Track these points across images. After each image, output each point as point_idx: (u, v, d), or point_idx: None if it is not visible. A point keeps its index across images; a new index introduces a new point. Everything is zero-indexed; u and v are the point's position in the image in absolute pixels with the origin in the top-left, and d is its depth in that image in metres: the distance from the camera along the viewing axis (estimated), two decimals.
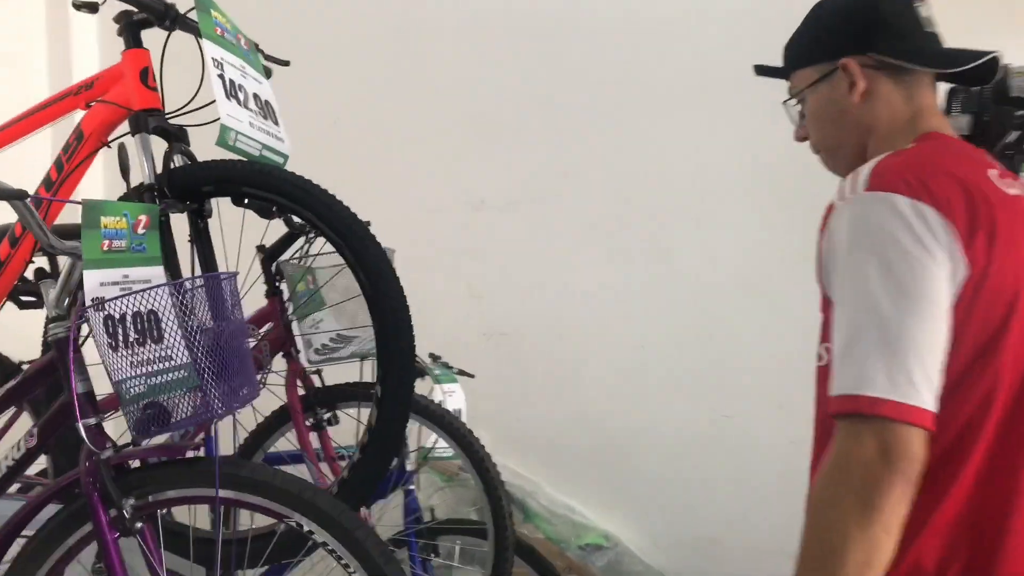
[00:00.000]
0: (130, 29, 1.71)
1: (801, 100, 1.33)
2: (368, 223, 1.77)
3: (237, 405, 1.53)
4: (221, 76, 1.62)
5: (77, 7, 1.61)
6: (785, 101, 1.36)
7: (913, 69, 1.24)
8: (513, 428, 2.87)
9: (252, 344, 2.01)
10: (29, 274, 1.81)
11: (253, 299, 1.98)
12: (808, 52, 1.31)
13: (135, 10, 1.69)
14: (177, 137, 1.72)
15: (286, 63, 1.99)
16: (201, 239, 1.74)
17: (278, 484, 1.38)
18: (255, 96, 1.73)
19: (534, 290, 2.95)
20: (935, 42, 1.27)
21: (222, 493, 1.36)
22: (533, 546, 2.50)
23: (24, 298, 2.02)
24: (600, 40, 2.87)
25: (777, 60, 1.39)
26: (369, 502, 2.42)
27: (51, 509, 1.48)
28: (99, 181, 2.05)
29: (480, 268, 2.97)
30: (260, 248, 2.03)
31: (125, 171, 1.57)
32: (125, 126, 1.72)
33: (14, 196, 1.26)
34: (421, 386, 2.47)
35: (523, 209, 2.95)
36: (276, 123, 1.78)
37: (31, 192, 1.39)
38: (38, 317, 2.14)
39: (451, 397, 2.40)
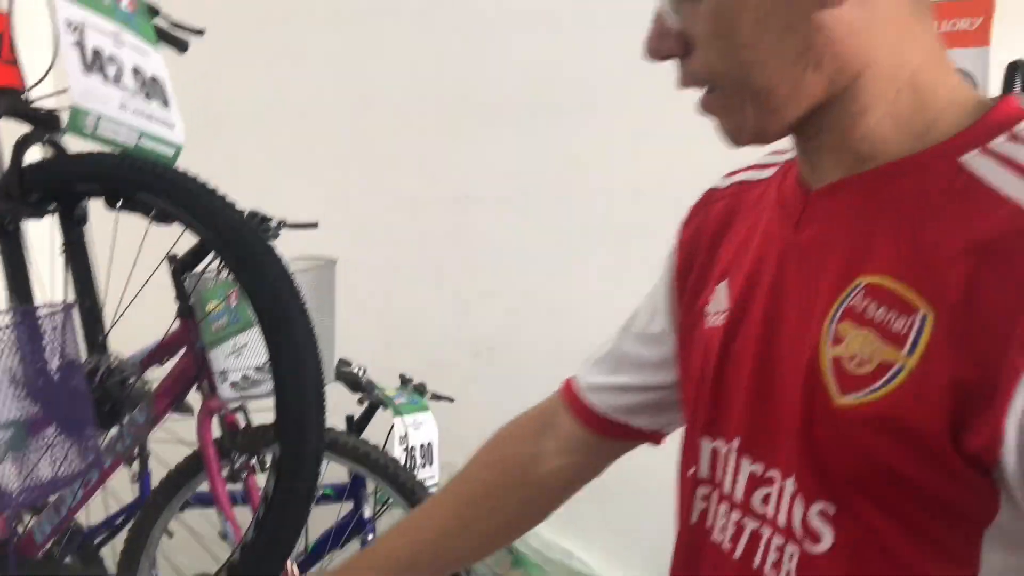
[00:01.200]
0: None
1: None
2: (270, 227, 1.41)
3: (85, 473, 1.20)
4: (79, 44, 1.26)
5: None
6: None
7: None
8: None
9: (157, 376, 1.67)
10: None
11: (160, 320, 1.64)
12: None
13: None
14: (44, 123, 1.37)
15: (199, 32, 1.63)
16: (75, 250, 1.40)
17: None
18: (135, 71, 1.37)
19: (525, 300, 2.55)
20: None
21: None
22: None
23: None
24: (598, 31, 2.46)
25: None
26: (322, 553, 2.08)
27: None
28: None
29: (468, 275, 2.59)
30: (171, 259, 1.68)
31: None
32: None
33: None
34: (381, 417, 2.13)
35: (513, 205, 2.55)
36: (165, 104, 1.42)
37: None
38: None
39: (417, 431, 2.04)
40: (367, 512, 2.04)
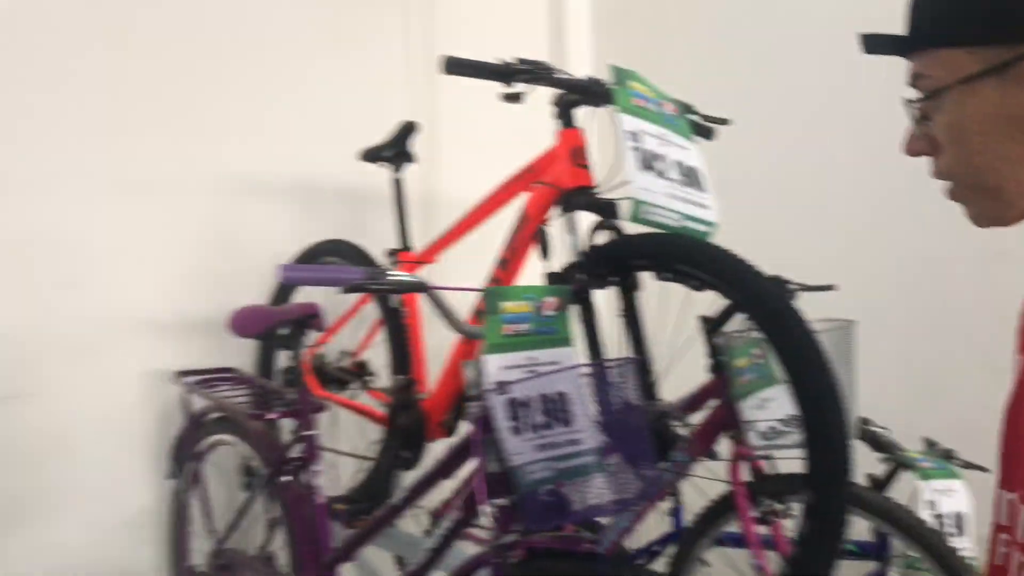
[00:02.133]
0: (563, 110, 1.76)
1: (934, 95, 0.81)
2: (791, 291, 1.54)
3: (646, 498, 1.45)
4: (636, 148, 1.56)
5: (504, 99, 1.70)
6: (912, 100, 0.84)
7: None
8: None
9: (688, 425, 1.90)
10: None
11: (691, 374, 1.88)
12: (966, 25, 0.79)
13: (567, 92, 1.73)
14: (607, 212, 1.71)
15: (723, 121, 1.86)
16: (631, 315, 1.70)
17: None
18: (677, 164, 1.64)
19: None
20: None
21: None
22: None
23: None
24: None
25: None
26: None
27: None
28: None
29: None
30: (703, 320, 1.91)
31: (544, 251, 1.61)
32: None
33: (416, 289, 1.35)
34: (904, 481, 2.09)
35: None
36: (702, 189, 1.66)
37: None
38: None
39: (946, 498, 1.97)
40: (892, 574, 2.02)
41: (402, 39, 2.91)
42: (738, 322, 1.89)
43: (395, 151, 2.30)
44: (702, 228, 1.62)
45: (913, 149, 0.87)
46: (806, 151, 2.67)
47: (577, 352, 1.54)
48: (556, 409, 1.43)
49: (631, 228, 1.65)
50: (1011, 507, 0.87)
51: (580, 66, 3.11)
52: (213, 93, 2.46)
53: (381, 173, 2.40)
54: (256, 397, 2.01)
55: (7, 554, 2.13)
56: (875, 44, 0.88)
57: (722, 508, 2.02)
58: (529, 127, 3.16)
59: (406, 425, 2.09)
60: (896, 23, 0.87)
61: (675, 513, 2.44)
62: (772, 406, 1.86)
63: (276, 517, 1.97)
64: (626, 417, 1.47)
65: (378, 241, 2.37)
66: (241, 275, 2.52)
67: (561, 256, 1.69)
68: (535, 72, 1.65)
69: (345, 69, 2.72)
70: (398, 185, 2.32)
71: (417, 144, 2.38)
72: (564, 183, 1.71)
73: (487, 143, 2.94)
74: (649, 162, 1.57)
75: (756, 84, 2.69)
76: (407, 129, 2.30)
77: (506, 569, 1.38)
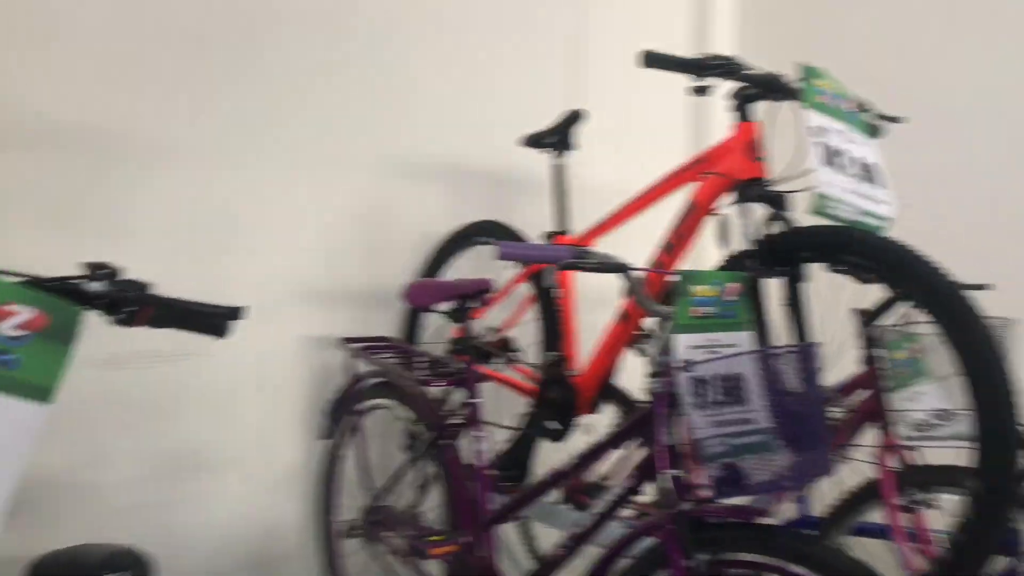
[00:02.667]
0: (742, 103, 1.82)
1: None
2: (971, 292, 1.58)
3: (808, 480, 1.52)
4: (820, 144, 1.62)
5: (693, 92, 1.77)
6: None
7: None
8: None
9: (840, 413, 1.95)
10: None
11: (845, 364, 1.93)
12: None
13: (748, 85, 1.80)
14: (779, 204, 1.77)
15: (896, 120, 1.90)
16: (795, 304, 1.77)
17: (849, 569, 1.31)
18: (857, 159, 1.69)
19: None
20: None
21: (792, 568, 1.35)
22: None
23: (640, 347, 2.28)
24: None
25: None
26: None
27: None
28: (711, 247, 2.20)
29: None
30: (859, 312, 1.96)
31: (723, 239, 1.68)
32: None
33: (618, 270, 1.44)
34: None
35: None
36: (881, 185, 1.71)
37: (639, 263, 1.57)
38: None
39: None
40: None
41: (553, 29, 3.01)
42: (897, 315, 1.94)
43: (558, 137, 2.39)
44: (876, 223, 1.68)
45: None
46: (967, 149, 2.67)
47: (754, 336, 1.61)
48: (733, 389, 1.50)
49: (804, 220, 1.71)
50: None
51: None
52: (375, 79, 2.60)
53: (529, 158, 2.50)
54: (422, 365, 2.13)
55: (171, 501, 2.30)
56: None
57: (862, 497, 2.07)
58: (672, 121, 3.24)
59: (556, 399, 2.19)
60: None
61: (801, 500, 2.48)
62: (924, 399, 1.91)
63: (429, 478, 2.10)
64: (795, 400, 1.53)
65: (521, 223, 2.48)
66: (392, 250, 2.66)
67: (735, 244, 1.76)
68: (726, 67, 1.72)
69: (501, 57, 2.84)
70: (559, 171, 2.41)
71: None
72: (739, 174, 1.78)
73: (631, 133, 3.03)
74: (831, 157, 1.63)
75: (908, 81, 2.70)
76: (573, 117, 2.39)
77: (682, 535, 1.46)
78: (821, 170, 1.59)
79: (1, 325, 0.93)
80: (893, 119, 1.91)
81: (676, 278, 1.49)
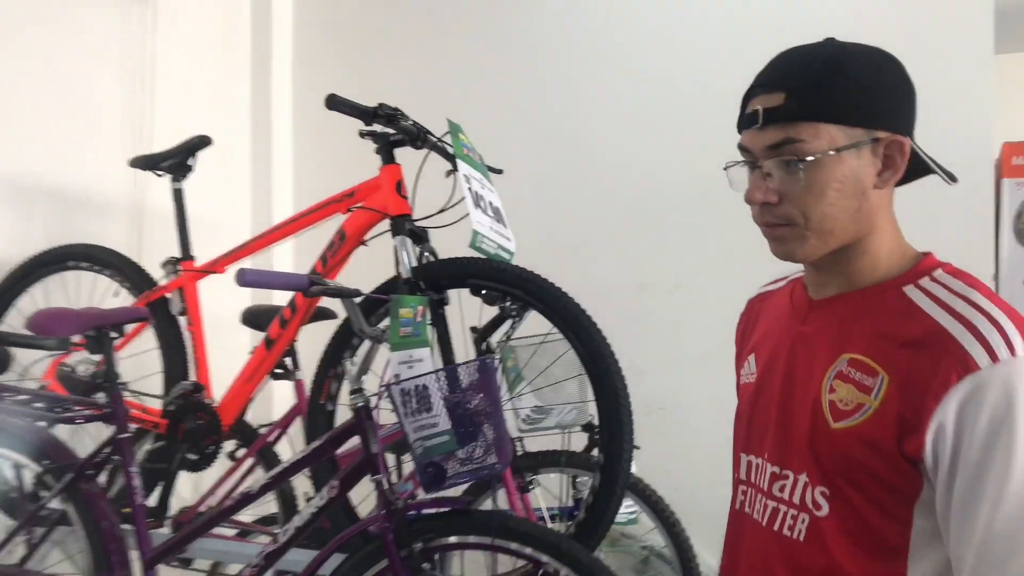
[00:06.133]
0: (387, 148, 2.05)
1: (799, 159, 1.04)
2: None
3: (486, 473, 1.81)
4: (470, 189, 1.93)
5: (360, 135, 1.96)
6: (794, 160, 1.04)
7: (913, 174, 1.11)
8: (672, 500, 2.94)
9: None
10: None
11: None
12: (842, 108, 1.04)
13: (392, 132, 2.03)
14: (421, 238, 2.05)
15: (499, 171, 2.31)
16: (440, 323, 2.05)
17: (541, 535, 1.63)
18: (490, 203, 2.04)
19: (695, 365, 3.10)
20: None
21: (498, 542, 1.62)
22: None
23: (277, 371, 2.36)
24: None
25: None
26: None
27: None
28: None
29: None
30: (473, 329, 2.33)
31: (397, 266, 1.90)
32: (380, 227, 2.07)
33: (353, 295, 1.58)
34: None
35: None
36: (504, 225, 2.09)
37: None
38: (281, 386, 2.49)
39: None
40: None
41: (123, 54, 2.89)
42: (503, 332, 2.35)
43: (177, 161, 2.33)
44: (507, 256, 2.04)
45: (757, 198, 1.08)
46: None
47: (433, 351, 1.85)
48: (423, 398, 1.74)
49: (462, 252, 1.99)
50: (750, 465, 1.20)
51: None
52: None
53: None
54: (51, 404, 1.93)
55: None
56: (753, 119, 1.06)
57: (484, 485, 2.43)
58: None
59: (194, 429, 2.16)
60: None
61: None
62: (526, 399, 2.35)
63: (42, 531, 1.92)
64: (470, 404, 1.82)
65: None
66: None
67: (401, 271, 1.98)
68: (392, 116, 1.94)
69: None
70: (179, 195, 2.36)
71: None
72: (390, 210, 2.01)
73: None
74: (478, 201, 1.95)
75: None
76: (198, 143, 2.35)
77: (399, 529, 1.65)
78: (474, 212, 1.89)
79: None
80: (495, 171, 2.32)
81: (392, 302, 1.68)
